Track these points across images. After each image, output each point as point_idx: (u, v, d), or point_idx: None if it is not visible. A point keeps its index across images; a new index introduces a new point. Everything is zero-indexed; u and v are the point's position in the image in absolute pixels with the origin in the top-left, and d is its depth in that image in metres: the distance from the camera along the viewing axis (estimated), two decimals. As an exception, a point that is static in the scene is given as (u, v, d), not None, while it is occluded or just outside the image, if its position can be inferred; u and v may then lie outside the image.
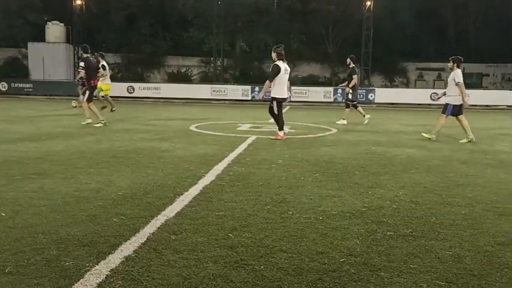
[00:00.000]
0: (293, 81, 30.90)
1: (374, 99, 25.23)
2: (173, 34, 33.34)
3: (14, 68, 30.36)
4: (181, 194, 4.35)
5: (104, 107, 13.33)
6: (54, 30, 30.04)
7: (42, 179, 4.84)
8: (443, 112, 9.12)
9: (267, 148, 7.56)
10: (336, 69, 32.74)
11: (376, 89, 26.51)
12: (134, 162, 6.00)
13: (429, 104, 22.08)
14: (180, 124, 11.56)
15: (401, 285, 2.53)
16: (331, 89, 26.56)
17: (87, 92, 10.46)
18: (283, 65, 8.75)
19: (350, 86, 12.57)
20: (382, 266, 2.78)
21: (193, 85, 28.69)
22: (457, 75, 8.88)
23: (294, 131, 10.43)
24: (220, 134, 9.59)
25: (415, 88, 30.94)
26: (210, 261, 2.79)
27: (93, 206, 3.89)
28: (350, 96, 12.78)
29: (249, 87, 26.48)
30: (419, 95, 25.29)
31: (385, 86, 31.49)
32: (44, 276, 2.52)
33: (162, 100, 25.10)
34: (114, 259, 2.77)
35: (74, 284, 2.43)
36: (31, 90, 27.07)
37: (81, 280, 2.48)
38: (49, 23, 30.14)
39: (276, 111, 8.88)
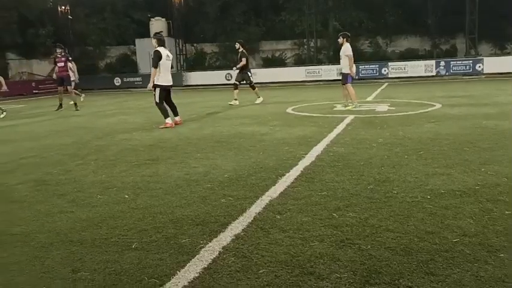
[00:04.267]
0: (389, 57, 29.55)
1: (482, 69, 23.20)
2: (265, 19, 33.54)
3: (125, 64, 33.17)
4: (283, 175, 4.45)
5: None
6: (157, 25, 31.99)
7: (156, 164, 5.26)
8: (344, 83, 10.44)
9: (366, 127, 7.37)
10: (437, 41, 30.45)
11: (484, 58, 24.31)
12: (236, 146, 6.25)
13: (550, 71, 19.74)
14: (277, 107, 11.72)
15: (524, 267, 2.35)
16: (432, 62, 24.90)
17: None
18: (164, 52, 8.70)
19: (238, 67, 13.60)
20: (501, 246, 2.60)
21: (288, 68, 28.77)
22: (346, 49, 10.31)
23: (394, 108, 10.01)
24: (317, 115, 9.55)
25: (531, 54, 27.72)
26: (315, 240, 2.83)
27: (203, 188, 4.15)
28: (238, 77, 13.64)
29: (343, 66, 25.83)
30: (536, 62, 22.70)
31: (495, 55, 28.59)
32: (164, 252, 2.77)
33: (258, 85, 25.55)
34: (225, 237, 2.94)
35: (191, 260, 2.64)
36: (140, 83, 29.33)
37: (197, 256, 2.68)
38: (152, 19, 32.24)
39: (157, 99, 8.78)
